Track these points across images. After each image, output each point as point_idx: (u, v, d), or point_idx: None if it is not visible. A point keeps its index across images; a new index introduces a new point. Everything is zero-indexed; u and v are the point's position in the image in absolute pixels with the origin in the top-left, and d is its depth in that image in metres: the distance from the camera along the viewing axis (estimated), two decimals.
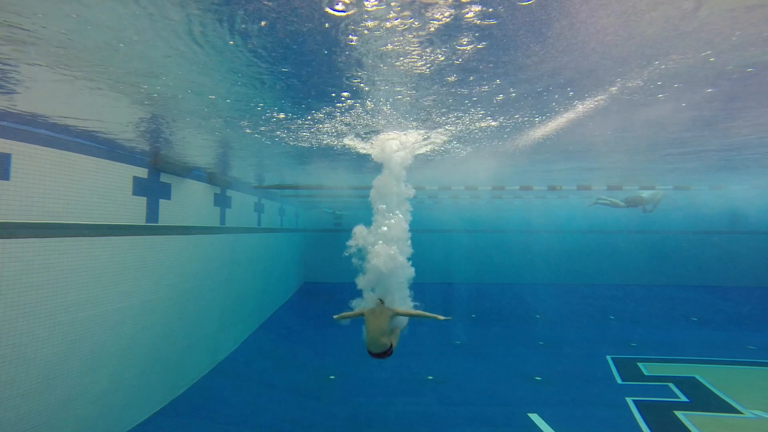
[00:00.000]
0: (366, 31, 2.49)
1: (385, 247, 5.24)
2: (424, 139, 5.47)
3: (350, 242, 5.40)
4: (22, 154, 4.36)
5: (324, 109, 4.14)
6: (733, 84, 3.59)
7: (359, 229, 5.46)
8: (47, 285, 4.63)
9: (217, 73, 3.15)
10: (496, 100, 3.86)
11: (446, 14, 2.30)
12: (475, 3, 2.20)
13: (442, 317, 5.39)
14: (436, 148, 5.94)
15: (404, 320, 5.78)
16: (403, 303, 5.60)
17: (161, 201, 6.77)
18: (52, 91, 3.56)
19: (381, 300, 5.41)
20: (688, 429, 6.83)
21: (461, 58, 2.91)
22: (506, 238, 19.68)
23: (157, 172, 6.64)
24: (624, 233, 18.95)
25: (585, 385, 8.82)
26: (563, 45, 2.77)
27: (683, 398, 8.07)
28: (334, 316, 5.64)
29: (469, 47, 2.72)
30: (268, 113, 4.24)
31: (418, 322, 7.05)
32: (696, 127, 5.21)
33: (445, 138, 5.42)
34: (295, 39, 2.58)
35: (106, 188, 5.52)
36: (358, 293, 5.49)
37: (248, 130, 4.94)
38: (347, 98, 3.77)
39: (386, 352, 5.35)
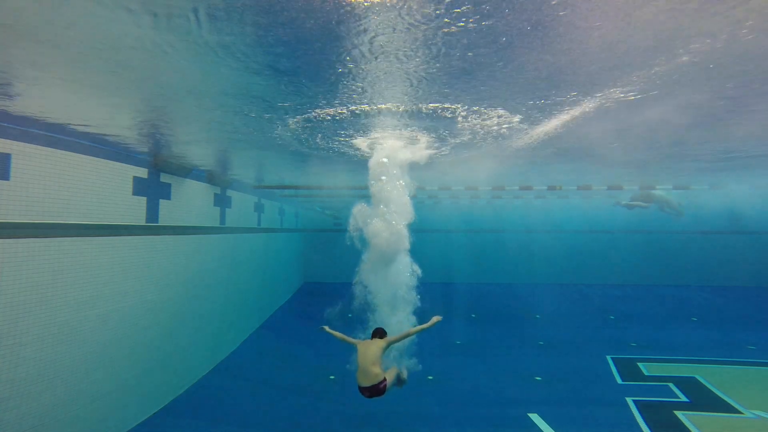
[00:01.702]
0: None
1: (385, 222, 5.23)
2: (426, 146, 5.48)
3: (351, 220, 5.45)
4: (22, 154, 4.36)
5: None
6: (735, 82, 3.58)
7: (360, 208, 5.55)
8: (47, 285, 4.63)
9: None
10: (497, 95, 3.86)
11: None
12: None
13: (434, 319, 5.27)
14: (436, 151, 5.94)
15: (403, 370, 5.72)
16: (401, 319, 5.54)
17: (161, 201, 6.76)
18: (54, 94, 3.56)
19: (381, 330, 5.37)
20: (688, 429, 6.83)
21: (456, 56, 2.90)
22: (506, 238, 19.65)
23: (157, 172, 6.63)
24: (624, 233, 18.93)
25: (585, 385, 8.82)
26: (562, 43, 2.77)
27: (683, 398, 8.07)
28: (325, 328, 5.59)
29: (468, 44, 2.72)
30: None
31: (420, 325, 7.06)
32: (697, 127, 5.20)
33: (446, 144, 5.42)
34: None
35: (106, 188, 5.52)
36: (358, 293, 5.48)
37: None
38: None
39: (379, 387, 5.11)
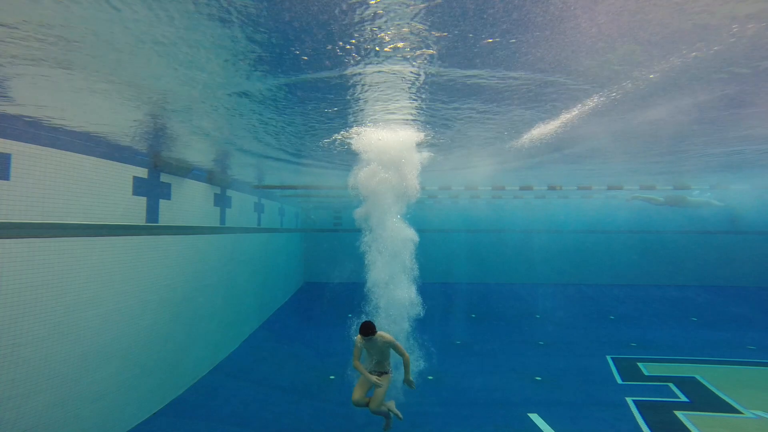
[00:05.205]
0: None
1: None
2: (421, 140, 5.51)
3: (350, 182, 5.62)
4: (22, 154, 4.35)
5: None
6: (740, 82, 3.57)
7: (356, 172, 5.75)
8: (47, 285, 4.63)
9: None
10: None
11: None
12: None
13: (370, 375, 5.69)
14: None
15: (392, 405, 5.97)
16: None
17: (161, 201, 6.76)
18: (53, 93, 3.56)
19: (372, 328, 5.51)
20: (688, 429, 6.83)
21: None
22: (506, 238, 19.65)
23: (157, 172, 6.63)
24: (623, 233, 18.93)
25: (585, 385, 8.82)
26: (564, 39, 2.77)
27: (683, 398, 8.06)
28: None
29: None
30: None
31: (420, 325, 7.15)
32: (700, 126, 5.20)
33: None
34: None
35: (106, 188, 5.51)
36: (358, 293, 5.50)
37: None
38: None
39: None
